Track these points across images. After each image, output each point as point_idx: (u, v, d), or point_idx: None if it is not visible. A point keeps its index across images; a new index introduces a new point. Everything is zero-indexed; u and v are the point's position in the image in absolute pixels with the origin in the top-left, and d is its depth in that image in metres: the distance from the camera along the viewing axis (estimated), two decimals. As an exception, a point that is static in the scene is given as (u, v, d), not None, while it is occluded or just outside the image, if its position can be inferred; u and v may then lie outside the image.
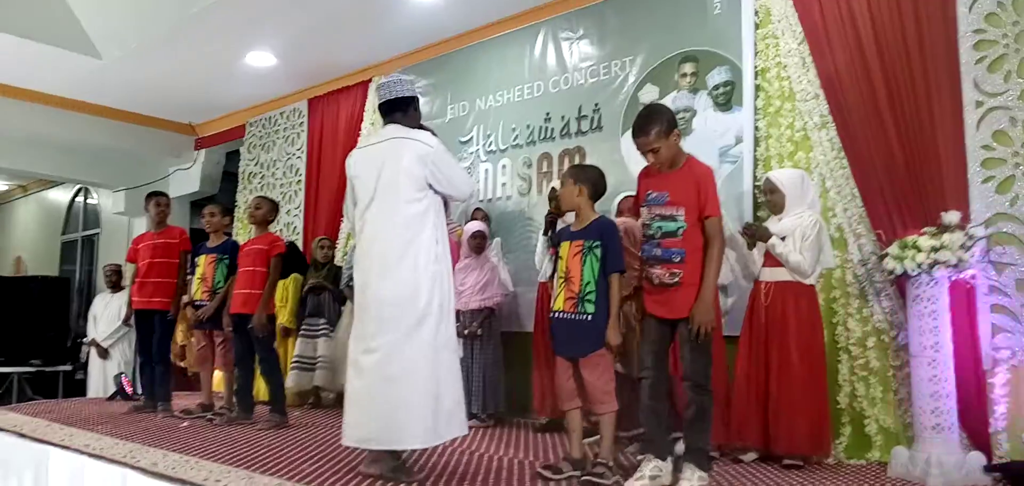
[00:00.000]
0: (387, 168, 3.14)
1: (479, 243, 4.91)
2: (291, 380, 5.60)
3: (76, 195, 11.26)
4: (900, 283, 3.70)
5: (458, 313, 4.80)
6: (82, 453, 3.69)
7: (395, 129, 3.26)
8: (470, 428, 4.49)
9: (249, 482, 2.99)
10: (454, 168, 3.32)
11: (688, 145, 4.66)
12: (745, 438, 3.69)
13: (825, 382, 3.77)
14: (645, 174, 3.20)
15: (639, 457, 3.12)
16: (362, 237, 3.22)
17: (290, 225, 7.35)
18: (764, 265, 3.81)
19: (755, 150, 4.42)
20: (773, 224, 3.84)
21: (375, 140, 3.30)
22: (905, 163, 3.81)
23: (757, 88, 4.47)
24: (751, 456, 3.70)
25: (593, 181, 3.29)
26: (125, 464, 3.39)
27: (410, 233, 3.10)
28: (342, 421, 3.13)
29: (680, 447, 3.14)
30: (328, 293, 5.80)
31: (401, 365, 3.01)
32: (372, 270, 3.12)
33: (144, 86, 7.50)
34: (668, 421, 3.06)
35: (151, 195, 5.46)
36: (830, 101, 4.13)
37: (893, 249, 3.57)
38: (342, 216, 6.57)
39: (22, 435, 4.25)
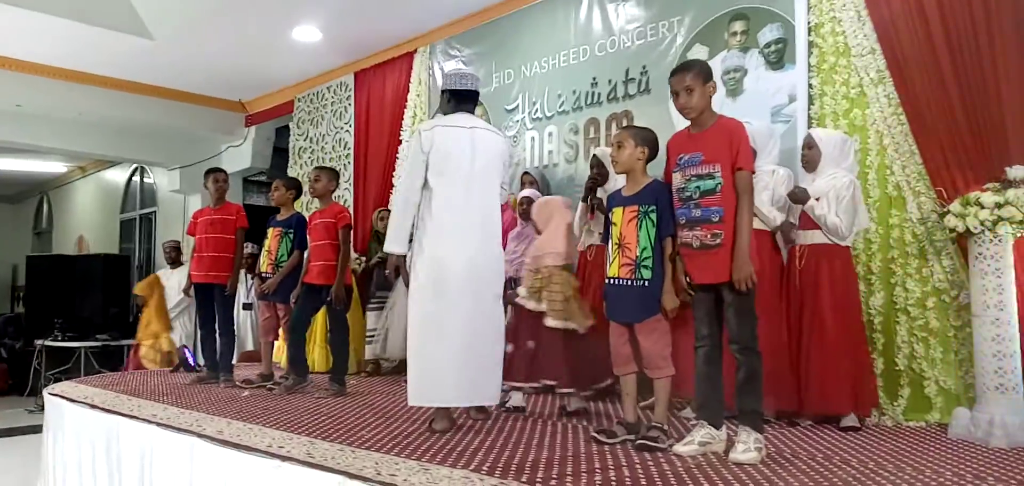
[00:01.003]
0: (481, 154, 3.56)
1: (526, 209, 4.89)
2: (368, 353, 5.80)
3: (132, 174, 11.58)
4: (962, 241, 3.60)
5: (511, 280, 4.82)
6: (150, 423, 3.82)
7: (476, 120, 3.71)
8: (526, 394, 4.57)
9: (310, 448, 3.07)
10: None
11: (739, 105, 4.64)
12: (779, 400, 3.66)
13: (865, 341, 3.76)
14: (675, 139, 3.17)
15: (692, 422, 3.11)
16: (449, 212, 3.51)
17: (340, 198, 7.45)
18: (801, 227, 3.77)
19: (809, 109, 4.32)
20: (808, 183, 3.80)
21: (462, 125, 3.60)
22: (966, 117, 3.69)
23: (810, 45, 4.35)
24: (806, 419, 3.67)
25: (652, 142, 3.25)
26: (191, 433, 3.50)
27: (496, 215, 3.63)
28: (415, 384, 3.48)
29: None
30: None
31: (488, 329, 3.51)
32: (468, 243, 3.49)
33: (194, 65, 7.65)
34: (722, 389, 3.04)
35: (209, 172, 5.59)
36: (887, 55, 4.01)
37: (955, 207, 3.48)
38: (392, 188, 6.65)
39: (93, 406, 4.42)
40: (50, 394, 5.04)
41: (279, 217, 5.20)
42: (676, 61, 4.95)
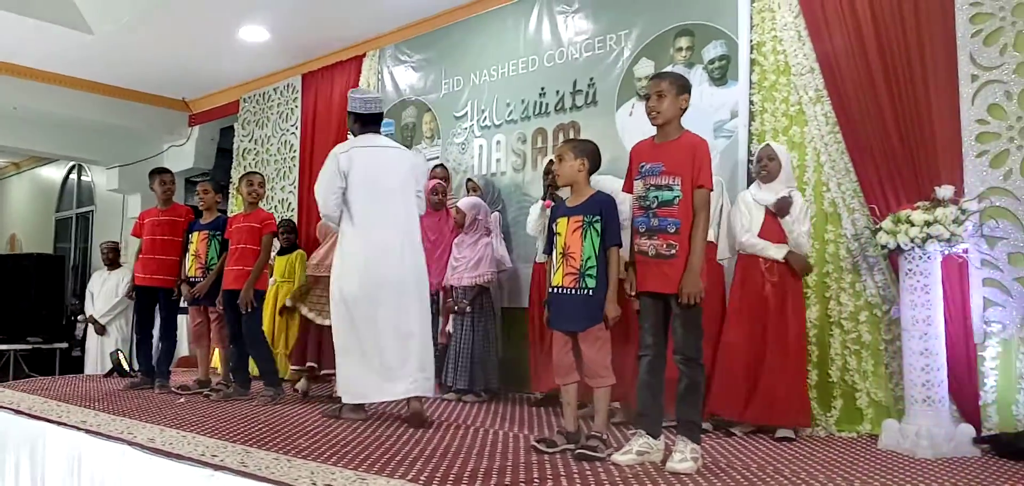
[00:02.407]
0: (395, 171, 3.95)
1: (462, 219, 4.91)
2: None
3: (70, 172, 11.21)
4: (893, 258, 3.71)
5: (451, 288, 4.84)
6: (79, 429, 3.70)
7: (385, 139, 4.10)
8: (466, 403, 4.57)
9: (245, 456, 3.01)
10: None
11: (683, 120, 4.70)
12: (730, 411, 3.74)
13: (805, 357, 3.87)
14: (638, 147, 3.20)
15: (631, 431, 3.14)
16: (370, 226, 3.86)
17: (285, 202, 7.34)
18: (763, 238, 3.84)
19: (750, 125, 4.42)
20: (761, 192, 3.89)
21: (375, 144, 3.98)
22: (900, 137, 3.83)
23: (752, 62, 4.46)
24: (743, 429, 3.74)
25: (592, 154, 3.28)
26: (122, 440, 3.39)
27: (415, 225, 3.99)
28: (343, 383, 3.89)
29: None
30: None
31: (416, 330, 3.86)
32: (390, 253, 3.85)
33: (137, 61, 7.45)
34: (662, 400, 3.07)
35: (155, 172, 5.45)
36: (826, 75, 4.13)
37: (886, 224, 3.58)
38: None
39: (18, 411, 4.25)
40: (-27, 399, 4.83)
41: (203, 220, 5.10)
42: (623, 74, 5.03)
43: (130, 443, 3.34)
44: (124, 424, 3.71)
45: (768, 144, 4.04)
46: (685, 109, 3.09)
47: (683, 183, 2.98)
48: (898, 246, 3.50)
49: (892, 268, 3.79)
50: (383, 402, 4.16)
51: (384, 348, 3.78)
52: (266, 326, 5.66)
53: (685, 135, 3.08)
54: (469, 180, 5.51)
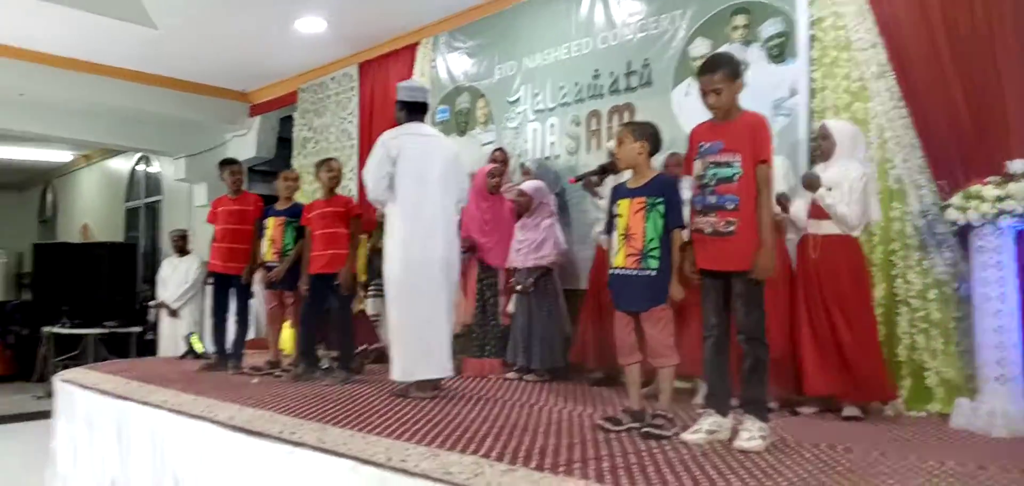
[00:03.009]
0: (439, 159, 4.15)
1: (524, 202, 4.99)
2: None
3: (137, 163, 11.62)
4: (962, 234, 3.65)
5: (514, 270, 4.92)
6: (161, 408, 3.89)
7: (430, 129, 4.37)
8: (527, 382, 4.65)
9: (321, 433, 3.13)
10: None
11: (741, 99, 4.68)
12: (782, 388, 3.74)
13: (876, 331, 3.79)
14: (698, 128, 3.21)
15: (700, 411, 3.17)
16: (422, 210, 4.05)
17: (344, 188, 7.47)
18: (810, 216, 3.81)
19: (810, 102, 4.37)
20: (821, 171, 3.84)
21: (420, 133, 4.21)
22: (968, 111, 3.74)
23: (812, 38, 4.40)
24: (809, 407, 3.73)
25: (652, 136, 3.31)
26: (203, 418, 3.56)
27: (452, 212, 4.22)
28: (398, 363, 4.05)
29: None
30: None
31: (446, 312, 4.10)
32: (433, 236, 4.06)
33: (199, 55, 7.68)
34: (730, 377, 3.09)
35: (225, 162, 5.62)
36: (889, 49, 4.06)
37: (956, 200, 3.53)
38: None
39: (104, 392, 4.48)
40: (61, 381, 5.10)
41: (279, 206, 5.25)
42: (678, 55, 5.01)
43: (211, 421, 3.50)
44: (204, 403, 3.87)
45: (823, 123, 3.99)
46: (740, 91, 3.09)
47: (743, 160, 2.98)
48: (968, 222, 3.44)
49: (962, 245, 3.72)
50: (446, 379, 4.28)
51: (423, 327, 4.02)
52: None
53: (744, 114, 3.09)
54: (522, 165, 5.57)
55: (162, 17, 6.81)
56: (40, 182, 14.75)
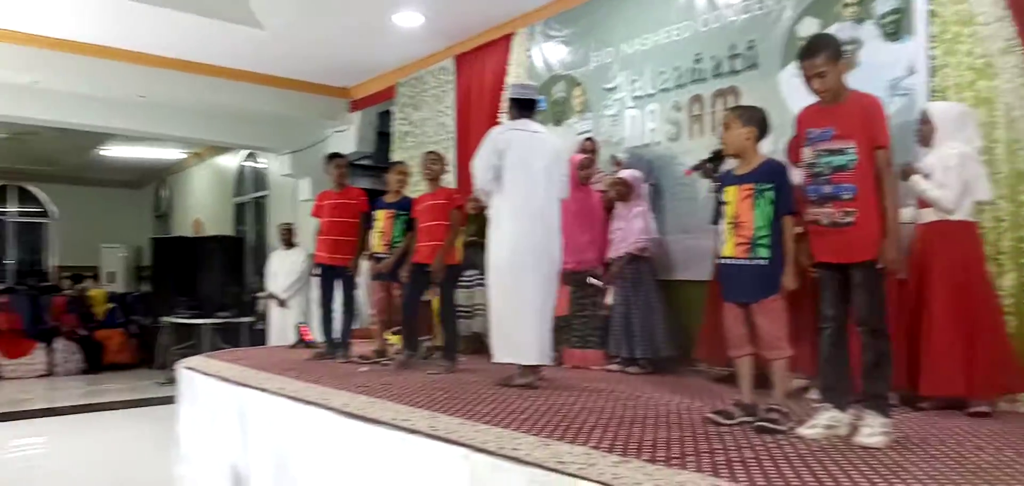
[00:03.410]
0: (542, 155, 4.28)
1: (623, 191, 4.95)
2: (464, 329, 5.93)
3: (245, 160, 12.15)
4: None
5: (612, 260, 4.90)
6: (279, 395, 4.07)
7: (537, 125, 4.46)
8: (630, 374, 4.62)
9: (433, 421, 3.21)
10: None
11: (854, 79, 4.42)
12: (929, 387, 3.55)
13: (1001, 323, 3.58)
14: (805, 112, 3.10)
15: (816, 405, 3.08)
16: (528, 202, 4.19)
17: (443, 181, 7.61)
18: (918, 206, 3.65)
19: (930, 81, 4.15)
20: (922, 157, 3.68)
21: (528, 129, 4.35)
22: (1107, 86, 3.47)
23: (931, 14, 4.16)
24: (932, 403, 3.56)
25: (760, 121, 3.21)
26: (318, 405, 3.71)
27: (555, 206, 4.30)
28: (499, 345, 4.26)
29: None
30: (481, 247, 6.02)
31: (542, 302, 4.21)
32: (535, 227, 4.19)
33: (302, 53, 7.94)
34: (849, 371, 2.99)
35: (330, 157, 5.82)
36: (1017, 22, 3.80)
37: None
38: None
39: (224, 379, 4.73)
40: (184, 368, 5.41)
41: (388, 199, 5.38)
42: (785, 35, 4.84)
43: (326, 408, 3.64)
44: (318, 391, 4.04)
45: (924, 107, 3.81)
46: (846, 71, 2.96)
47: (858, 146, 2.86)
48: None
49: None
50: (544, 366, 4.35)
51: (521, 314, 4.16)
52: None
53: (853, 95, 2.96)
54: (613, 156, 5.53)
55: (268, 17, 7.08)
56: (155, 179, 15.63)
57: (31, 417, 7.34)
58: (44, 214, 15.87)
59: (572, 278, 5.07)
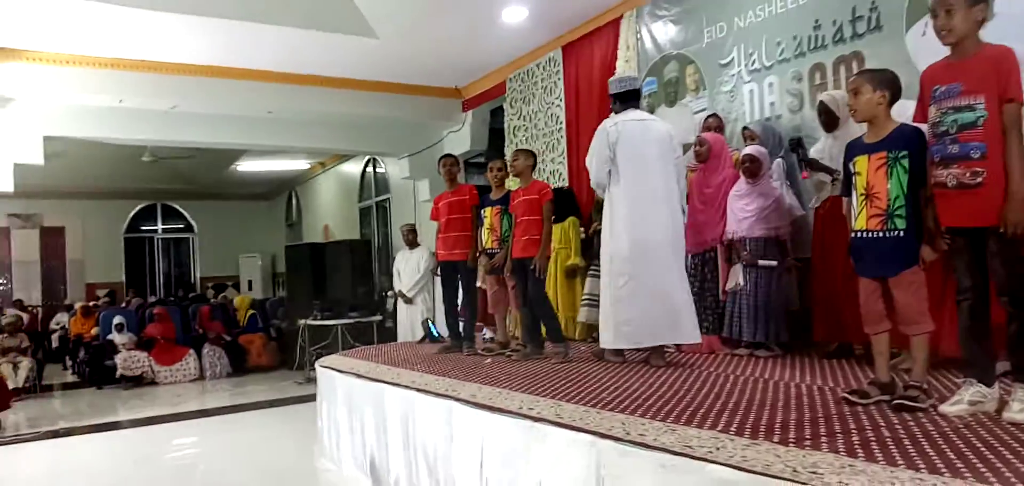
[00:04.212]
0: (655, 141, 4.41)
1: (750, 167, 4.76)
2: (582, 316, 5.99)
3: (366, 165, 12.67)
4: None
5: (744, 240, 4.72)
6: (411, 388, 4.24)
7: (644, 113, 4.62)
8: (758, 358, 4.50)
9: (558, 409, 3.26)
10: None
11: (992, 30, 4.19)
12: None
13: None
14: (931, 69, 2.92)
15: (959, 381, 2.90)
16: (644, 189, 4.34)
17: (555, 172, 7.67)
18: None
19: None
20: None
21: (636, 119, 4.45)
22: None
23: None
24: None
25: (892, 84, 3.05)
26: (449, 397, 3.84)
27: (674, 189, 4.44)
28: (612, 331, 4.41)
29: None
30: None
31: (679, 284, 4.38)
32: (656, 214, 4.34)
33: (414, 58, 8.19)
34: (991, 344, 2.80)
35: (440, 158, 6.01)
36: None
37: None
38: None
39: (359, 376, 4.97)
40: (321, 367, 5.72)
41: (493, 196, 5.49)
42: (912, -9, 4.56)
43: (456, 399, 3.76)
44: (447, 383, 4.18)
45: None
46: (983, 20, 2.76)
47: (988, 101, 2.67)
48: None
49: None
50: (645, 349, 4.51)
51: (645, 301, 4.27)
52: (549, 290, 6.03)
53: (985, 47, 2.76)
54: (745, 128, 5.36)
55: (381, 26, 7.35)
56: (285, 190, 16.56)
57: (186, 419, 7.95)
58: (188, 229, 17.18)
59: (695, 259, 5.00)
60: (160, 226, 16.99)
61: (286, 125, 9.63)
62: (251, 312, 12.23)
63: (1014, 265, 2.68)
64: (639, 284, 4.28)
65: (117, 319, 10.82)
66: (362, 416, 4.80)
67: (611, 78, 4.73)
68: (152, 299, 14.47)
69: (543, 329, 5.12)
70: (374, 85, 8.91)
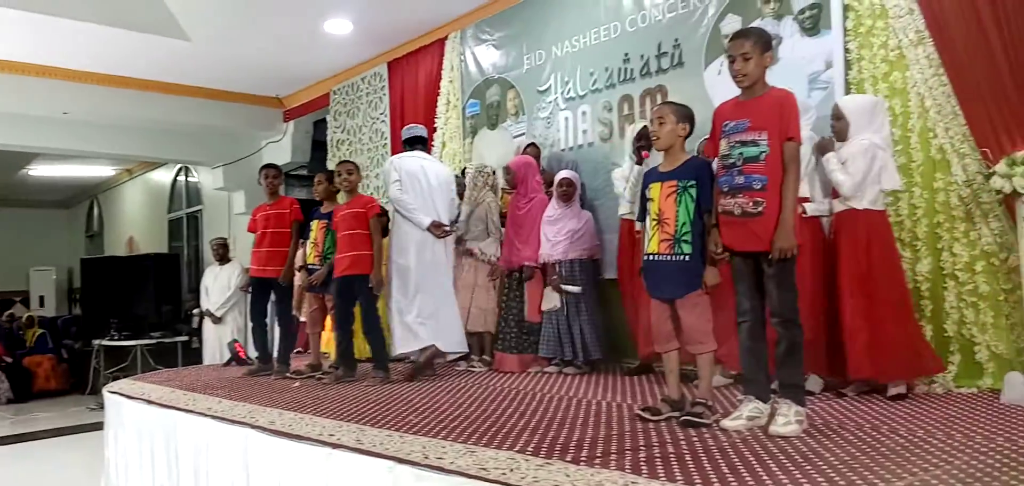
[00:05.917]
0: (433, 177, 5.04)
1: (566, 191, 4.92)
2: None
3: (178, 174, 11.85)
4: (1009, 202, 3.52)
5: (556, 264, 4.83)
6: (205, 416, 3.95)
7: (425, 156, 5.27)
8: (566, 375, 4.61)
9: (360, 435, 3.15)
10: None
11: (775, 74, 4.51)
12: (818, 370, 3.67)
13: (909, 305, 3.67)
14: (722, 107, 3.15)
15: (739, 398, 3.11)
16: (412, 224, 4.93)
17: (379, 189, 7.54)
18: (833, 196, 3.75)
19: (846, 74, 4.25)
20: (839, 151, 3.74)
21: (417, 158, 5.09)
22: (1011, 75, 3.60)
23: (846, 8, 4.27)
24: (855, 389, 3.64)
25: (692, 119, 3.25)
26: (245, 424, 3.61)
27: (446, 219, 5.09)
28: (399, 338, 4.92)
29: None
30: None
31: (448, 297, 5.05)
32: (428, 238, 4.98)
33: (231, 64, 7.79)
34: (767, 363, 3.03)
35: (262, 168, 5.67)
36: (926, 15, 3.91)
37: (1001, 167, 3.41)
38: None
39: (150, 402, 4.57)
40: (109, 392, 5.22)
41: (322, 210, 5.28)
42: (709, 33, 4.92)
43: (252, 426, 3.54)
44: (246, 409, 3.93)
45: (836, 102, 3.87)
46: (769, 66, 3.02)
47: (770, 138, 2.92)
48: (1014, 190, 3.31)
49: (1009, 214, 3.58)
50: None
51: (421, 310, 4.83)
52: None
53: (771, 91, 3.03)
54: (531, 145, 5.64)
55: (194, 28, 6.91)
56: (86, 198, 15.15)
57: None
58: (-32, 238, 15.23)
59: (508, 279, 5.09)
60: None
61: (85, 128, 8.78)
62: (40, 331, 11.04)
63: (784, 289, 2.92)
64: (425, 296, 4.82)
65: None
66: (152, 446, 4.41)
67: (403, 129, 5.38)
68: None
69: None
70: (186, 89, 8.38)
